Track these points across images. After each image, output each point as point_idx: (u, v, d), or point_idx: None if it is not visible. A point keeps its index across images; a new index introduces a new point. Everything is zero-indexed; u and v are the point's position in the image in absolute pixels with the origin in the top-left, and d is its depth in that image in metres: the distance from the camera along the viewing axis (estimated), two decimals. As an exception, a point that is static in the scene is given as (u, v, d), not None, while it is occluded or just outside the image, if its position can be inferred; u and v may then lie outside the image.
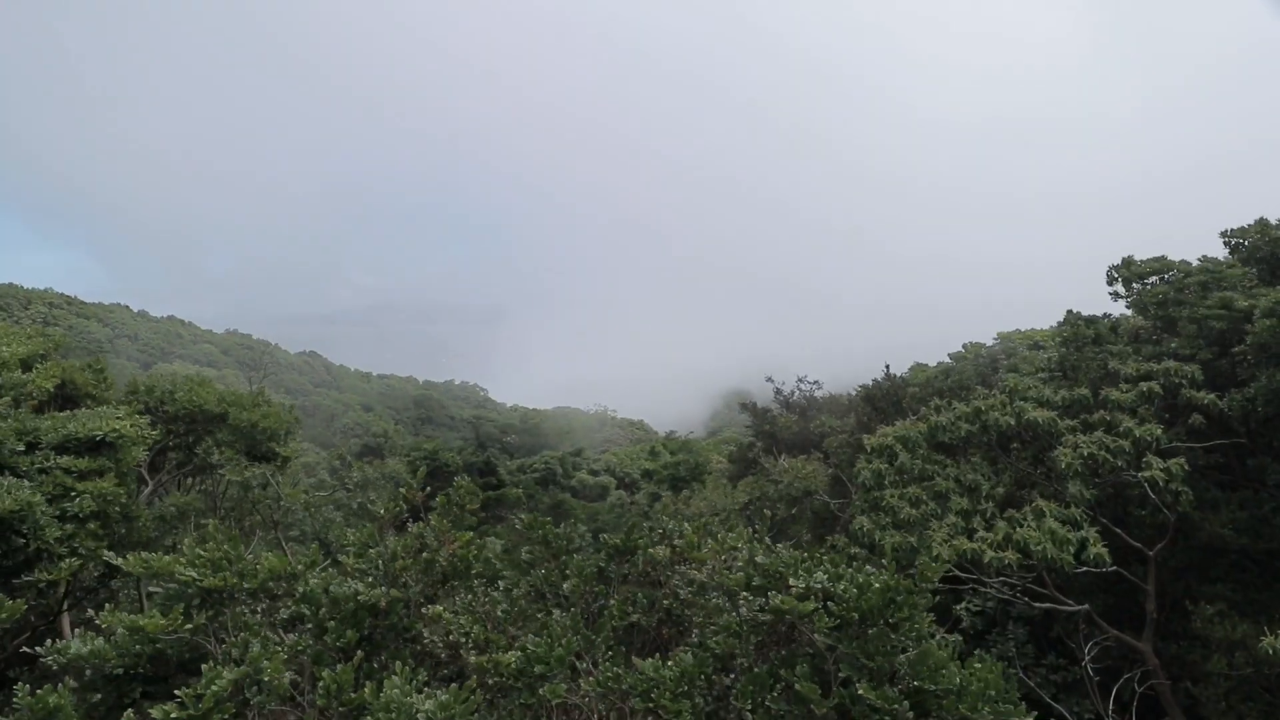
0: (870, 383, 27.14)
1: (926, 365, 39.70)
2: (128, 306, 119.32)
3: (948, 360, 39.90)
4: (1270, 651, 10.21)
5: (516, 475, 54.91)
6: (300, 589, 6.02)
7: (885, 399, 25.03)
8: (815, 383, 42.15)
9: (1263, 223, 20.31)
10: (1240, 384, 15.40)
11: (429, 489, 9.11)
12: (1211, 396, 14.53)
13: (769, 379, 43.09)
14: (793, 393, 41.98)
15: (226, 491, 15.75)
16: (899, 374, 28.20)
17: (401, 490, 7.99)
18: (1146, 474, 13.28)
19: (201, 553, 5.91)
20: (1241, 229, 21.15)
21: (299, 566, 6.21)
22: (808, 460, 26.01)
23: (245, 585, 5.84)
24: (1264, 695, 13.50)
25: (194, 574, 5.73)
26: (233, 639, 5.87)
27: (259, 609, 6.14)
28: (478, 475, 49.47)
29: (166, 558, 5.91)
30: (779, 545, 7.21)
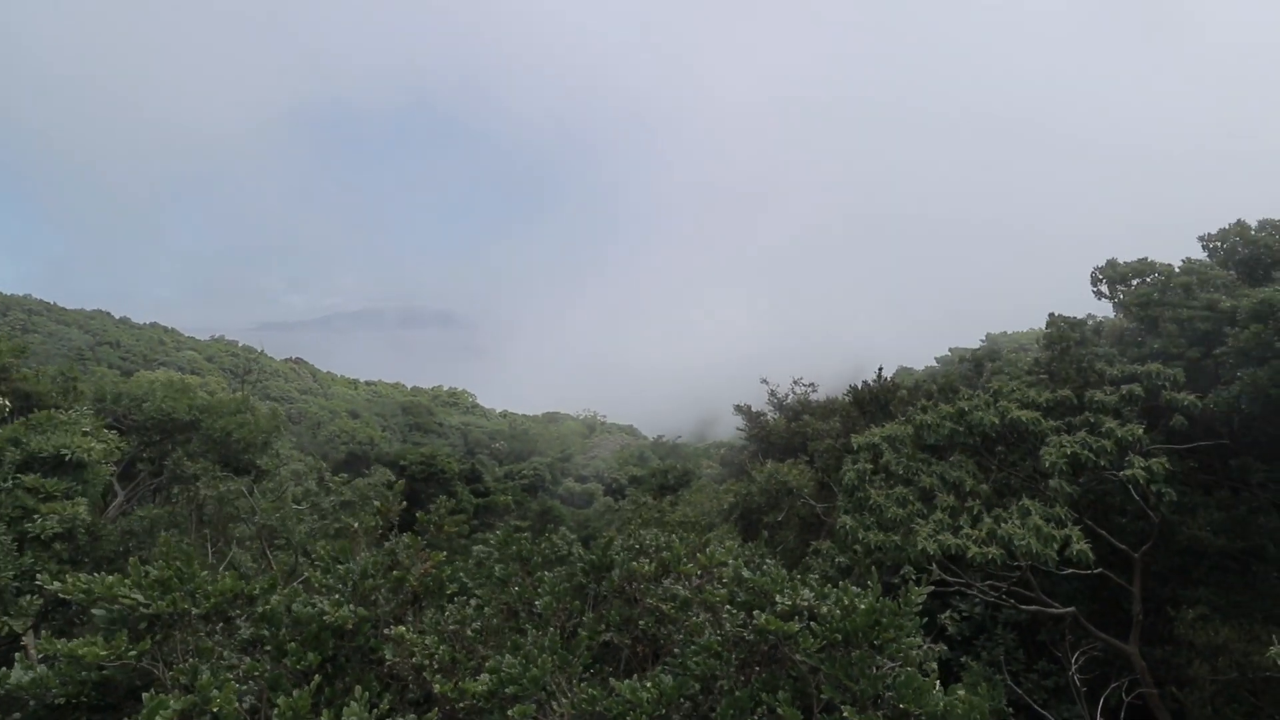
0: (859, 384, 27.00)
1: (913, 369, 39.79)
2: (109, 313, 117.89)
3: (935, 364, 39.99)
4: (1277, 662, 10.06)
5: (504, 482, 54.56)
6: (260, 609, 5.71)
7: (873, 401, 24.91)
8: (810, 385, 42.04)
9: (1241, 225, 20.43)
10: (1225, 383, 15.42)
11: (403, 504, 8.86)
12: (1192, 398, 14.53)
13: (763, 380, 42.88)
14: (786, 395, 41.82)
15: (204, 505, 15.42)
16: (888, 377, 28.09)
17: (377, 504, 7.74)
18: (1128, 473, 13.24)
19: (151, 571, 5.55)
20: (1222, 231, 21.28)
21: (256, 589, 5.88)
22: (795, 464, 25.88)
23: (196, 610, 5.51)
24: (1249, 699, 13.46)
25: (139, 597, 5.38)
26: (183, 664, 5.56)
27: (215, 630, 5.83)
28: (465, 482, 49.12)
29: (109, 579, 5.49)
30: (767, 561, 7.01)
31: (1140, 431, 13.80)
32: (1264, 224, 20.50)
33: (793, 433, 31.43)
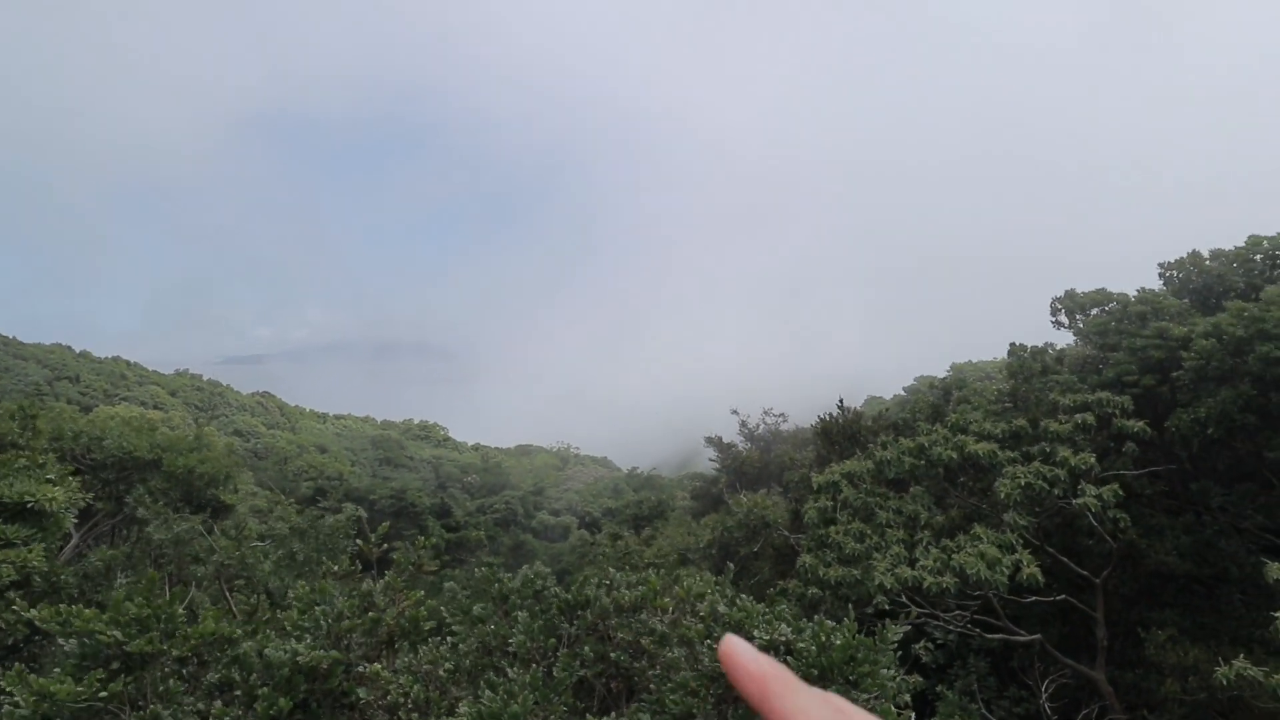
0: (826, 415, 27.18)
1: (882, 398, 40.22)
2: (69, 347, 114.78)
3: (902, 393, 40.52)
4: (1225, 681, 10.25)
5: (476, 517, 53.71)
6: (232, 653, 5.49)
7: (841, 433, 25.08)
8: (780, 415, 42.20)
9: (1195, 255, 21.15)
10: (1184, 407, 15.77)
11: (384, 545, 8.71)
12: (1141, 425, 14.87)
13: (734, 411, 42.95)
14: (757, 426, 41.94)
15: (161, 546, 14.88)
16: (854, 406, 28.33)
17: (359, 544, 7.58)
18: (1080, 500, 13.49)
19: (130, 606, 5.29)
20: (1178, 261, 22.01)
21: (237, 631, 5.67)
22: (768, 494, 25.91)
23: (174, 651, 5.27)
24: (1218, 719, 13.60)
25: (118, 634, 5.11)
26: (152, 706, 5.30)
27: (184, 672, 5.59)
28: (435, 517, 48.27)
29: (88, 612, 5.25)
30: (741, 595, 6.96)
31: (1092, 459, 14.05)
32: (1216, 254, 21.25)
33: (765, 463, 31.50)
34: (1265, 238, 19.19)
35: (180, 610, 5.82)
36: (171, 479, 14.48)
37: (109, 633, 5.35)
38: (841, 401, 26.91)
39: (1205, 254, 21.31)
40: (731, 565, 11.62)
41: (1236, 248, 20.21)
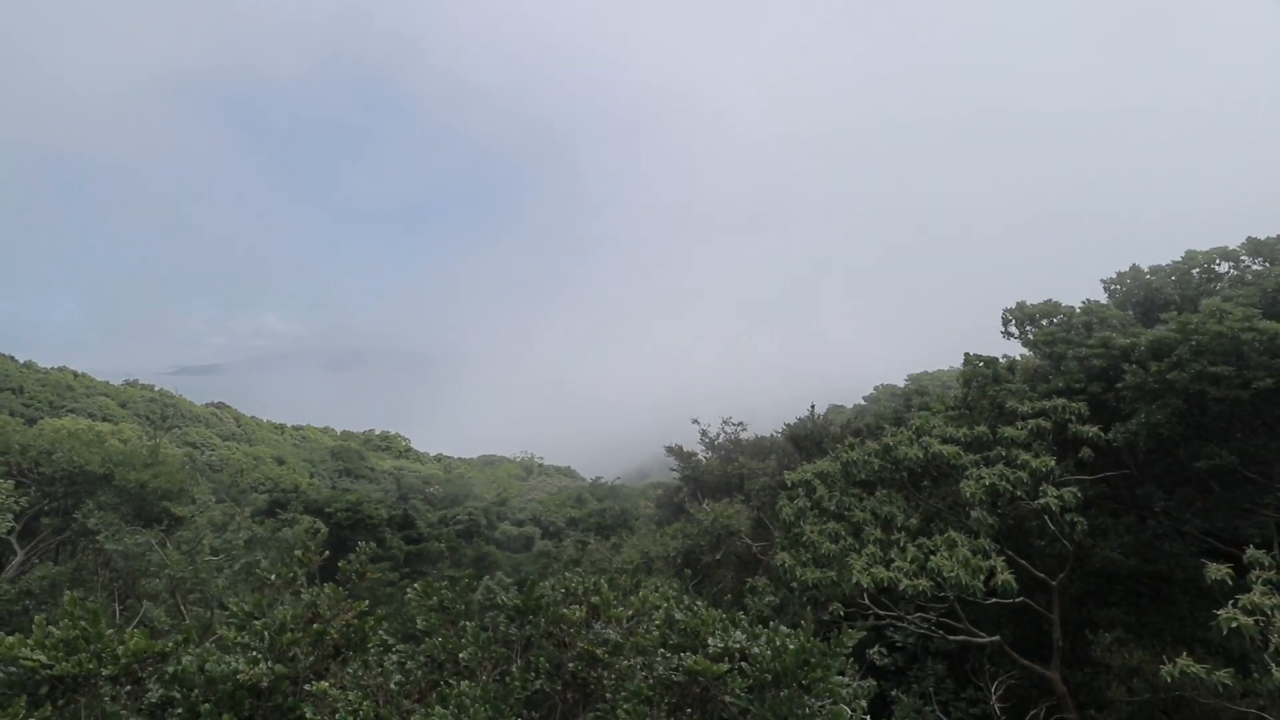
0: (793, 421, 27.72)
1: (843, 407, 40.95)
2: (12, 357, 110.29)
3: (862, 402, 41.33)
4: (1169, 679, 10.70)
5: (438, 528, 53.03)
6: (171, 669, 5.39)
7: (809, 438, 25.54)
8: (740, 424, 42.63)
9: (1136, 269, 22.06)
10: (1124, 418, 16.42)
11: (324, 553, 8.55)
12: (1095, 430, 15.42)
13: (694, 420, 43.26)
14: (717, 435, 42.31)
15: (111, 560, 14.47)
16: (821, 414, 28.92)
17: (297, 553, 7.45)
18: (1042, 502, 13.94)
19: (55, 631, 5.19)
20: (1120, 275, 22.94)
21: (169, 645, 5.57)
22: (730, 503, 26.16)
23: (105, 671, 5.17)
24: (1163, 719, 14.10)
25: (43, 658, 5.01)
26: None
27: (122, 693, 5.47)
28: (397, 529, 47.55)
29: (9, 639, 5.14)
30: (699, 601, 7.06)
31: (1052, 463, 14.57)
32: (1155, 269, 22.19)
33: (727, 473, 31.80)
34: (1200, 252, 20.11)
35: (108, 629, 5.66)
36: (124, 493, 14.09)
37: (33, 657, 5.24)
38: (813, 407, 27.56)
39: (1145, 268, 22.26)
40: (689, 572, 11.74)
41: (1174, 262, 21.15)
